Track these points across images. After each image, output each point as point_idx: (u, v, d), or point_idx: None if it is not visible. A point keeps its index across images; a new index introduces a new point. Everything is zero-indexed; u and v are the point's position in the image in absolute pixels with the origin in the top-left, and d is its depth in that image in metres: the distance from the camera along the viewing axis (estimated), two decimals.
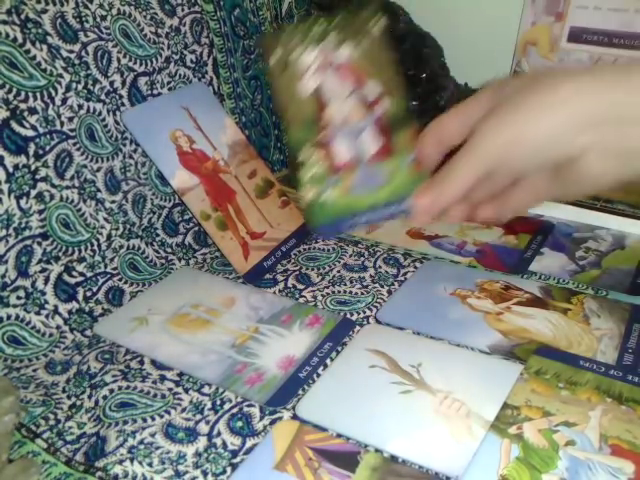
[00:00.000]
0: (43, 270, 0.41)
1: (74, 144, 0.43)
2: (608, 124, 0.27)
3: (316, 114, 0.41)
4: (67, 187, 0.43)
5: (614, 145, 0.27)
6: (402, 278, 0.45)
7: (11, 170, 0.39)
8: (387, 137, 0.41)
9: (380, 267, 0.47)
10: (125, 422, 0.34)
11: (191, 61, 0.52)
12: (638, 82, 0.26)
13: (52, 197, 0.42)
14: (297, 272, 0.47)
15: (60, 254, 0.42)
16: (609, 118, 0.27)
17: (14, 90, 0.39)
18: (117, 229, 0.46)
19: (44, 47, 0.41)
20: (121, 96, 0.46)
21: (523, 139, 0.29)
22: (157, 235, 0.49)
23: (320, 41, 0.41)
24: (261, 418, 0.34)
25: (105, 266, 0.45)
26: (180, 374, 0.37)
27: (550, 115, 0.28)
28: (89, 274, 0.44)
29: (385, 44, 0.43)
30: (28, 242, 0.41)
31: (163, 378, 0.37)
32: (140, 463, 0.31)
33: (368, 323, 0.41)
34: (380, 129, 0.41)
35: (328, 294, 0.44)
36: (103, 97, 0.45)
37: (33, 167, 0.41)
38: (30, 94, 0.40)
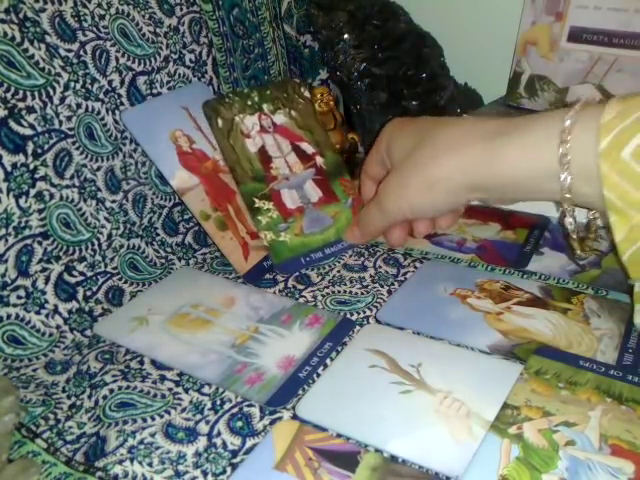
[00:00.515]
0: (44, 270, 0.41)
1: (73, 143, 0.43)
2: (485, 189, 0.34)
3: (263, 168, 0.48)
4: (67, 186, 0.43)
5: (497, 197, 0.35)
6: (402, 278, 0.45)
7: (9, 169, 0.39)
8: (326, 185, 0.49)
9: (380, 267, 0.47)
10: (125, 422, 0.34)
11: (190, 60, 0.52)
12: (500, 161, 0.32)
13: (52, 196, 0.42)
14: (297, 272, 0.47)
15: (61, 253, 0.42)
16: (483, 186, 0.33)
17: (12, 89, 0.39)
18: (117, 228, 0.46)
19: (42, 46, 0.41)
20: (120, 95, 0.46)
21: (419, 206, 0.37)
22: (157, 235, 0.49)
23: (257, 110, 0.49)
24: (261, 418, 0.34)
25: (105, 266, 0.45)
26: (180, 374, 0.37)
27: (432, 191, 0.35)
28: (89, 274, 0.44)
29: (313, 107, 0.52)
30: (28, 241, 0.41)
31: (163, 378, 0.37)
32: (140, 463, 0.31)
33: (368, 323, 0.41)
34: (320, 179, 0.49)
35: (328, 294, 0.44)
36: (102, 96, 0.45)
37: (32, 166, 0.41)
38: (28, 93, 0.40)
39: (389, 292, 0.44)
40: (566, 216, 0.32)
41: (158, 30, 0.49)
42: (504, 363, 0.36)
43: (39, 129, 0.41)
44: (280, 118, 0.50)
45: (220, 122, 0.48)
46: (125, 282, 0.46)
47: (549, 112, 0.31)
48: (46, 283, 0.42)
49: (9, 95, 0.39)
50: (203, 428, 0.33)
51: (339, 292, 0.44)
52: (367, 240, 0.46)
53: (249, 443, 0.32)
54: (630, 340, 0.37)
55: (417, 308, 0.42)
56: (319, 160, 0.50)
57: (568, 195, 0.30)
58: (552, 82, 0.55)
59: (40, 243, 0.41)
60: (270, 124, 0.49)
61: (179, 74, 0.51)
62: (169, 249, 0.50)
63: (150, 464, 0.31)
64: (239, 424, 0.33)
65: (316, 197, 0.48)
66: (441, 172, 0.34)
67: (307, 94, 0.51)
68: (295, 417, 0.33)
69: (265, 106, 0.49)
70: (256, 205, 0.47)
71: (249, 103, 0.49)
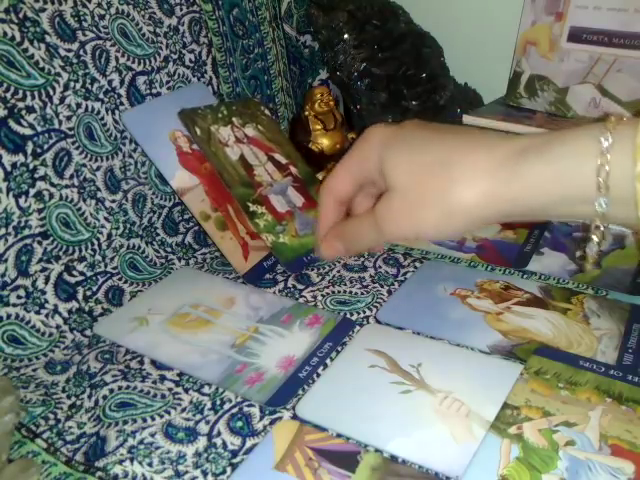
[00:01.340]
0: (44, 269, 0.41)
1: (73, 143, 0.43)
2: (509, 215, 0.30)
3: (247, 174, 0.49)
4: (66, 186, 0.43)
5: (519, 219, 0.31)
6: (402, 278, 0.45)
7: (9, 169, 0.39)
8: (305, 191, 0.51)
9: (380, 267, 0.47)
10: (125, 422, 0.34)
11: (190, 60, 0.52)
12: (529, 188, 0.28)
13: (52, 196, 0.42)
14: (303, 270, 0.47)
15: (60, 253, 0.42)
16: (507, 214, 0.30)
17: (12, 89, 0.39)
18: (117, 228, 0.46)
19: (42, 46, 0.41)
20: (120, 95, 0.46)
21: (430, 234, 0.32)
22: (157, 235, 0.49)
23: (228, 122, 0.51)
24: (261, 418, 0.34)
25: (105, 265, 0.45)
26: (180, 374, 0.37)
27: (451, 220, 0.30)
28: (89, 273, 0.44)
29: (277, 124, 0.55)
30: (28, 241, 0.41)
31: (163, 378, 0.37)
32: (140, 463, 0.31)
33: (368, 323, 0.41)
34: (298, 186, 0.51)
35: (328, 294, 0.44)
36: (101, 96, 0.45)
37: (32, 166, 0.41)
38: (28, 93, 0.40)
39: (389, 292, 0.44)
40: (590, 241, 0.30)
41: (158, 30, 0.49)
42: (504, 363, 0.36)
43: (39, 129, 0.41)
44: (250, 131, 0.52)
45: (198, 130, 0.49)
46: (125, 282, 0.46)
47: (578, 130, 0.28)
48: (46, 283, 0.42)
49: (9, 95, 0.39)
50: (203, 428, 0.33)
51: (339, 292, 0.44)
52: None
53: (249, 443, 0.32)
54: (630, 340, 0.37)
55: (417, 308, 0.42)
56: (294, 169, 0.52)
57: (600, 218, 0.28)
58: (552, 82, 0.55)
59: (40, 243, 0.41)
60: (243, 135, 0.51)
61: (179, 74, 0.51)
62: (169, 249, 0.50)
63: (150, 464, 0.31)
64: (239, 424, 0.33)
65: (300, 202, 0.50)
66: (463, 202, 0.30)
67: (268, 112, 0.54)
68: (295, 417, 0.33)
69: (235, 119, 0.51)
70: (251, 209, 0.47)
71: (220, 116, 0.51)
